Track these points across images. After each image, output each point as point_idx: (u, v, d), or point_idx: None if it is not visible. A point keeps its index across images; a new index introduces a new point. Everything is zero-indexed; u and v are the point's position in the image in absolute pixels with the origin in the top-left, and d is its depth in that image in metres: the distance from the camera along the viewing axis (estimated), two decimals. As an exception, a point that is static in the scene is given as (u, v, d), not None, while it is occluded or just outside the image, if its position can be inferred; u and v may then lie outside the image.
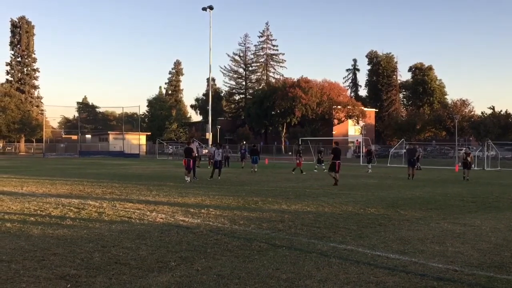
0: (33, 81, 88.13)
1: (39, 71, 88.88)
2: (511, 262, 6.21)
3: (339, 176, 19.09)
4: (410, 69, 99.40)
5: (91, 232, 8.05)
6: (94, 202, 12.22)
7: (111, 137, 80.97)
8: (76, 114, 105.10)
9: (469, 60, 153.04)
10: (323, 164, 29.08)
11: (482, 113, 76.51)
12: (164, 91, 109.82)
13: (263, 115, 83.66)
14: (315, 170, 28.20)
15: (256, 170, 26.84)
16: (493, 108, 74.66)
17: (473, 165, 23.00)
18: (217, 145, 23.70)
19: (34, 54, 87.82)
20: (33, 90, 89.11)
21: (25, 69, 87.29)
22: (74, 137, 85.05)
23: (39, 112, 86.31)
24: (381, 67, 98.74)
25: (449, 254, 6.63)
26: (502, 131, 68.59)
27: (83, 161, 47.79)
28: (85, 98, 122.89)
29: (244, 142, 65.45)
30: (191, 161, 19.96)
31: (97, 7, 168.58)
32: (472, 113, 79.14)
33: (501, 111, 73.63)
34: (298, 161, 26.83)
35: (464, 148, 26.83)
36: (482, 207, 11.96)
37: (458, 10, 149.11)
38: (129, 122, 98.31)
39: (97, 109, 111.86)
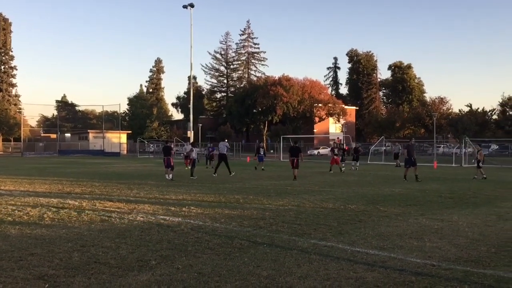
0: (10, 79, 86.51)
1: (16, 69, 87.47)
2: (487, 257, 6.33)
3: (296, 172, 20.46)
4: (389, 68, 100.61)
5: (70, 231, 7.95)
6: (73, 201, 12.07)
7: (91, 135, 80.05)
8: (55, 113, 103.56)
9: (446, 59, 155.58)
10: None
11: (459, 110, 77.86)
12: (145, 89, 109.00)
13: (245, 113, 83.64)
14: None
15: (263, 168, 27.44)
16: (470, 106, 76.01)
17: (480, 163, 21.70)
18: (194, 144, 23.88)
19: (12, 51, 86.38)
20: (11, 88, 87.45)
21: (2, 67, 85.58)
22: (53, 135, 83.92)
23: (17, 110, 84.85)
24: (361, 65, 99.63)
25: (427, 249, 6.73)
26: (479, 128, 69.87)
27: (62, 160, 47.14)
28: (64, 96, 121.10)
29: (222, 141, 65.22)
30: (170, 159, 20.18)
31: (76, 4, 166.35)
32: (450, 110, 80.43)
33: (478, 108, 75.01)
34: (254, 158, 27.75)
35: (476, 146, 24.98)
36: (460, 203, 12.17)
37: (436, 10, 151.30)
38: (110, 120, 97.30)
39: (77, 108, 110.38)
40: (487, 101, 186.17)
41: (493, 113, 75.17)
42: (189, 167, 22.85)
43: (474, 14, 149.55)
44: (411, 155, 20.31)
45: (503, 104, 74.09)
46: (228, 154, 24.19)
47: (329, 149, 29.72)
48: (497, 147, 59.14)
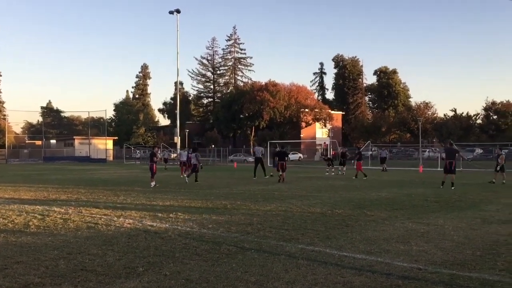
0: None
1: (0, 75, 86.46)
2: (472, 260, 6.41)
3: (285, 174, 21.69)
4: (375, 73, 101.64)
5: (56, 239, 7.87)
6: (59, 208, 11.95)
7: (76, 142, 79.33)
8: (40, 119, 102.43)
9: (431, 64, 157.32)
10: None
11: (444, 115, 79.07)
12: (131, 95, 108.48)
13: (232, 119, 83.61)
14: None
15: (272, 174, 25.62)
16: (455, 111, 77.15)
17: (498, 167, 21.50)
18: (193, 149, 23.81)
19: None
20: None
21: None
22: (38, 142, 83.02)
23: (1, 117, 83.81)
24: (347, 70, 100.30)
25: (414, 253, 6.79)
26: (463, 133, 70.82)
27: (47, 166, 46.63)
28: (49, 102, 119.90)
29: (211, 146, 65.20)
30: (152, 164, 19.86)
31: (61, 10, 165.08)
32: (435, 115, 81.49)
33: (462, 113, 76.15)
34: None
35: (496, 150, 24.52)
36: (445, 207, 12.30)
37: (420, 15, 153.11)
38: (95, 126, 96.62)
39: (62, 114, 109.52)
40: (471, 105, 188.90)
41: (477, 117, 76.41)
42: (185, 175, 22.78)
43: (459, 20, 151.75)
44: (452, 158, 18.37)
45: (487, 109, 75.24)
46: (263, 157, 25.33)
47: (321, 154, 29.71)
48: (481, 151, 59.91)
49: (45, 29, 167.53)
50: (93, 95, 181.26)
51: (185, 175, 23.01)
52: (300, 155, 69.51)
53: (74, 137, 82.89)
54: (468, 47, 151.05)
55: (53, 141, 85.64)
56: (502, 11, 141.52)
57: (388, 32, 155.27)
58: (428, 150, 64.98)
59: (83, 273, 5.72)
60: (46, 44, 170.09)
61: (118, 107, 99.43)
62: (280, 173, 21.72)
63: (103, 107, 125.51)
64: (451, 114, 77.06)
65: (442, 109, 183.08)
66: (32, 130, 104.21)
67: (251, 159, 28.34)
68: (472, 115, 76.08)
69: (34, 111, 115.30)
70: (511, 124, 72.94)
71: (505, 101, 73.69)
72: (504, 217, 10.32)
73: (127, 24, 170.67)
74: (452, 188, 17.59)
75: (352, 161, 28.87)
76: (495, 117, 74.31)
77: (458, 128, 71.17)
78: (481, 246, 7.33)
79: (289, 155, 64.38)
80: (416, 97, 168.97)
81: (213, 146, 66.31)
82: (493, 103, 74.40)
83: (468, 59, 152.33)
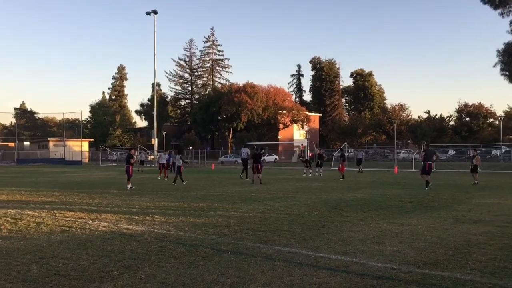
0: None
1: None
2: (445, 259, 6.54)
3: (261, 176, 21.81)
4: (351, 75, 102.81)
5: (29, 243, 7.72)
6: (32, 212, 11.72)
7: (51, 144, 77.90)
8: (14, 121, 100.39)
9: (405, 66, 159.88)
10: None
11: (418, 117, 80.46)
12: (107, 96, 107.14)
13: (209, 120, 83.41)
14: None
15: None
16: (428, 113, 78.51)
17: (479, 168, 21.83)
18: (177, 150, 24.01)
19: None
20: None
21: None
22: (11, 144, 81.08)
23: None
24: (324, 73, 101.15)
25: (388, 253, 6.89)
26: (437, 134, 72.22)
27: (21, 169, 45.65)
28: (23, 103, 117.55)
29: (191, 147, 64.87)
30: (128, 167, 19.73)
31: (35, 9, 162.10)
32: (410, 117, 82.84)
33: (436, 115, 77.55)
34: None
35: (472, 151, 24.42)
36: (419, 207, 12.51)
37: (396, 19, 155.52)
38: (71, 128, 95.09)
39: (36, 115, 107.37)
40: (445, 108, 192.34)
41: (450, 119, 77.89)
42: (162, 177, 23.00)
43: (433, 24, 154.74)
44: (430, 159, 18.47)
45: (459, 111, 76.80)
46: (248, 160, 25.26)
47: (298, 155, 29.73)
48: (454, 152, 61.14)
49: (18, 29, 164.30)
50: (68, 97, 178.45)
51: (164, 178, 23.03)
52: (276, 157, 69.79)
53: (49, 139, 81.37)
54: (442, 51, 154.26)
55: (26, 143, 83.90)
56: (474, 16, 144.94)
57: (365, 35, 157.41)
58: (403, 151, 66.04)
59: (56, 277, 5.63)
60: (20, 45, 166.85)
61: (94, 109, 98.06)
62: (257, 174, 21.75)
63: (79, 109, 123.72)
64: (425, 116, 78.52)
65: (416, 111, 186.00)
66: (5, 131, 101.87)
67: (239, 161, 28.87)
68: (445, 117, 77.61)
69: (7, 113, 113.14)
70: (483, 126, 74.65)
71: (477, 103, 75.37)
72: (476, 217, 10.55)
73: (103, 24, 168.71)
74: (426, 188, 17.89)
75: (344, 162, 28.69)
76: (467, 119, 75.92)
77: (432, 129, 72.49)
78: (453, 245, 7.48)
79: (264, 157, 64.77)
80: (391, 99, 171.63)
81: (190, 147, 65.96)
82: (466, 105, 76.01)
83: (442, 62, 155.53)
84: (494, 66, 38.12)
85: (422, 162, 19.37)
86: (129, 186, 19.09)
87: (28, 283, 5.39)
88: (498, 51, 37.49)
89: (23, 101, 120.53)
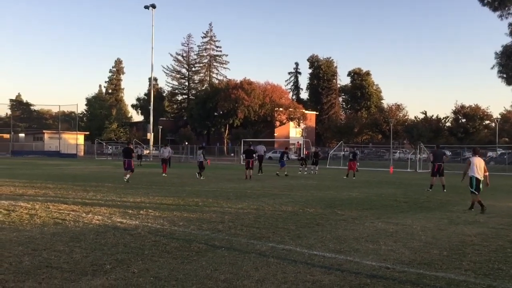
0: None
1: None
2: (439, 259, 6.53)
3: (252, 172, 22.99)
4: (349, 74, 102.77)
5: (21, 235, 7.66)
6: (25, 203, 11.65)
7: (46, 136, 77.60)
8: (9, 112, 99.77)
9: (403, 66, 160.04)
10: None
11: (415, 117, 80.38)
12: (104, 90, 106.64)
13: (206, 116, 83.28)
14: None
15: (286, 173, 26.14)
16: (425, 113, 78.59)
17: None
18: (201, 147, 24.98)
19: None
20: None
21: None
22: (6, 136, 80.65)
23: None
24: (321, 71, 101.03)
25: (382, 252, 6.88)
26: (433, 135, 72.31)
27: (15, 161, 45.47)
28: (18, 95, 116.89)
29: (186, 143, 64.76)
30: (131, 161, 19.96)
31: (33, 1, 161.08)
32: (406, 117, 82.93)
33: (432, 116, 77.67)
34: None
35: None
36: (414, 207, 12.52)
37: (394, 19, 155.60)
38: (66, 121, 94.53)
39: (32, 107, 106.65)
40: (441, 109, 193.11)
41: (447, 120, 78.05)
42: (165, 174, 23.67)
43: (430, 25, 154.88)
44: (440, 160, 17.78)
45: (456, 112, 76.95)
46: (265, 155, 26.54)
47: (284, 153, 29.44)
48: (450, 153, 61.25)
49: (15, 21, 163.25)
50: (65, 89, 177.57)
51: (164, 174, 23.51)
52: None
53: (44, 131, 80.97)
54: (440, 52, 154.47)
55: (21, 135, 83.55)
56: (473, 18, 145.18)
57: (363, 34, 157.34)
58: (399, 151, 66.11)
59: (48, 270, 5.58)
60: (16, 36, 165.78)
61: (90, 102, 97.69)
62: (249, 170, 22.13)
63: (75, 102, 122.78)
64: (421, 116, 78.55)
65: (413, 111, 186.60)
66: (0, 123, 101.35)
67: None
68: (442, 118, 77.80)
69: (2, 104, 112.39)
70: (479, 127, 74.83)
71: (473, 105, 75.53)
72: (470, 218, 10.56)
73: (101, 17, 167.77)
74: (444, 191, 17.26)
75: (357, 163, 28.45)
76: (463, 120, 76.07)
77: (428, 130, 72.58)
78: (447, 246, 7.47)
79: (288, 155, 64.42)
80: (388, 99, 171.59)
81: (186, 143, 65.83)
82: (462, 106, 76.15)
83: (439, 63, 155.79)
84: (491, 68, 38.10)
85: (431, 164, 18.69)
86: (127, 176, 19.37)
87: (20, 275, 5.35)
88: (496, 53, 37.45)
89: (19, 93, 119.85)
